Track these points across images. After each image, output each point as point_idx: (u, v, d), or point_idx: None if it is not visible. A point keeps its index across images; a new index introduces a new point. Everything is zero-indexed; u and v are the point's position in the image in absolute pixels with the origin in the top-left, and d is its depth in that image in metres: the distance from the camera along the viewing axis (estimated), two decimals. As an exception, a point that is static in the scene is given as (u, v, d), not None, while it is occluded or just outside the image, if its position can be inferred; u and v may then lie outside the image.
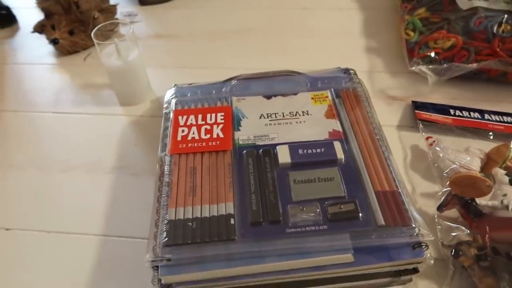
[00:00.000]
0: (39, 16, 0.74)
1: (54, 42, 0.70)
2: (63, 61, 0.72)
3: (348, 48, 0.70)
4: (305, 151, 0.44)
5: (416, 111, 0.56)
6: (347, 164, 0.43)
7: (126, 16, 0.81)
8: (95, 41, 0.56)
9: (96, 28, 0.57)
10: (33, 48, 0.76)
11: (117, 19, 0.76)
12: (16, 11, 0.85)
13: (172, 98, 0.53)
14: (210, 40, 0.74)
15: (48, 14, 0.71)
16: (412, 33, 0.64)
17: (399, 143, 0.54)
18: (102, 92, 0.65)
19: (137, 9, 0.84)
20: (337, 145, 0.45)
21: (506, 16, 0.58)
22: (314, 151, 0.44)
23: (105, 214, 0.49)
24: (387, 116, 0.57)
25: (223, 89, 0.54)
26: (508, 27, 0.57)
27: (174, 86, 0.59)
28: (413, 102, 0.58)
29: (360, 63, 0.67)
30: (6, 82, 0.69)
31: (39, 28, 0.72)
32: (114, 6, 0.75)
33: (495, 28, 0.57)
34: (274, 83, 0.55)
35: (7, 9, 0.83)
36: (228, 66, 0.68)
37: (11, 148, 0.58)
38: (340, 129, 0.47)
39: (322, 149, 0.44)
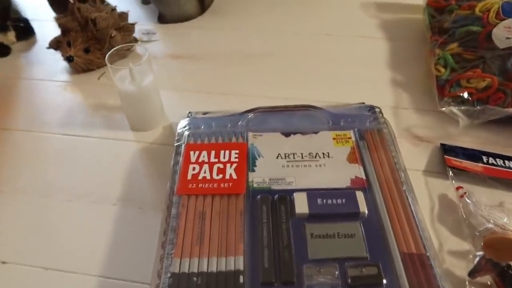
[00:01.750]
0: (57, 30, 0.73)
1: (68, 59, 0.68)
2: (76, 79, 0.70)
3: (372, 79, 0.66)
4: (324, 201, 0.41)
5: (446, 156, 0.52)
6: (370, 218, 0.40)
7: (144, 34, 0.79)
8: (108, 65, 0.53)
9: (111, 51, 0.55)
10: (47, 64, 0.74)
11: (134, 38, 0.74)
12: (35, 24, 0.84)
13: (185, 130, 0.50)
14: (228, 63, 0.72)
15: (64, 30, 0.69)
16: (443, 69, 0.60)
17: (426, 191, 0.50)
18: (113, 114, 0.62)
19: (155, 27, 0.82)
20: (360, 196, 0.41)
21: (547, 57, 0.53)
22: (334, 201, 0.40)
23: (107, 252, 0.46)
24: (413, 158, 0.53)
25: (239, 123, 0.51)
26: (550, 70, 0.53)
27: (188, 115, 0.56)
28: (442, 145, 0.54)
29: (385, 97, 0.63)
30: (19, 98, 0.68)
31: (55, 44, 0.70)
32: (132, 25, 0.73)
33: (535, 70, 0.53)
34: (294, 119, 0.51)
35: (26, 21, 0.82)
36: (246, 93, 0.65)
37: (19, 170, 0.56)
38: (363, 177, 0.43)
39: (343, 200, 0.41)
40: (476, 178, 0.50)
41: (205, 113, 0.56)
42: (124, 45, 0.56)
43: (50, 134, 0.61)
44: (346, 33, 0.77)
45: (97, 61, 0.70)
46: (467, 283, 0.39)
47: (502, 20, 0.59)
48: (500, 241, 0.41)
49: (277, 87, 0.66)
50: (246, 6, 0.86)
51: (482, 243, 0.41)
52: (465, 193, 0.47)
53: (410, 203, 0.41)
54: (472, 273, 0.39)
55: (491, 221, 0.43)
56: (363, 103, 0.57)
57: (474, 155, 0.52)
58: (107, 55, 0.54)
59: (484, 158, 0.52)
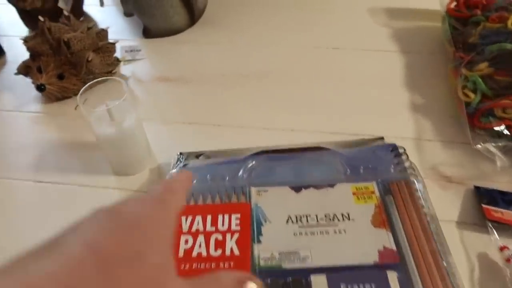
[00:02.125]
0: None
1: (40, 88, 0.59)
2: (50, 109, 0.62)
3: (388, 103, 0.58)
4: (349, 287, 0.33)
5: (483, 205, 0.44)
6: (407, 309, 0.32)
7: (128, 51, 0.70)
8: (80, 105, 0.45)
9: (84, 87, 0.46)
10: (18, 90, 0.65)
11: (116, 58, 0.65)
12: (4, 40, 0.74)
13: (175, 185, 0.42)
14: (223, 86, 0.63)
15: (34, 54, 0.60)
16: (472, 95, 0.52)
17: (462, 248, 0.42)
18: (92, 154, 0.54)
19: (140, 42, 0.73)
20: (393, 278, 0.33)
21: None
22: (361, 287, 0.33)
23: None
24: (444, 206, 0.45)
25: (240, 173, 0.43)
26: None
27: (178, 157, 0.48)
28: (476, 188, 0.46)
29: (404, 126, 0.55)
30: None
31: (24, 70, 0.61)
32: (113, 44, 0.64)
33: None
34: (304, 166, 0.43)
35: (-7, 39, 0.73)
36: (244, 124, 0.57)
37: (-20, 229, 0.48)
38: (394, 247, 0.36)
39: (373, 285, 0.33)
40: (523, 233, 0.42)
41: (198, 155, 0.48)
42: (99, 79, 0.47)
43: (19, 181, 0.52)
44: (355, 46, 0.68)
45: (73, 88, 0.61)
46: None
47: (540, 36, 0.51)
48: None
49: (280, 114, 0.58)
50: (241, 16, 0.77)
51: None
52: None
53: (452, 282, 0.34)
54: None
55: (549, 297, 0.36)
56: (382, 138, 0.50)
57: (515, 201, 0.44)
58: (79, 93, 0.46)
59: (528, 206, 0.44)
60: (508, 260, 0.39)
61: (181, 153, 0.49)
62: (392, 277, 0.33)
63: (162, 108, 0.61)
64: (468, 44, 0.57)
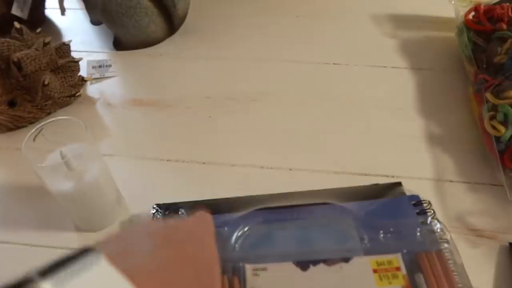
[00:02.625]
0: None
1: (-14, 119, 0.49)
2: (1, 140, 0.52)
3: (400, 133, 0.50)
4: None
5: (525, 272, 0.37)
6: None
7: (96, 67, 0.60)
8: (26, 157, 0.35)
9: (34, 130, 0.36)
10: (-37, 117, 0.55)
11: (81, 77, 0.55)
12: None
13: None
14: (209, 112, 0.54)
15: (-21, 76, 0.50)
16: (502, 128, 0.44)
17: (501, 328, 0.35)
18: (50, 204, 0.44)
19: (111, 56, 0.63)
20: None
21: None
22: None
23: None
24: (474, 268, 0.38)
25: (231, 242, 0.34)
26: None
27: (155, 211, 0.39)
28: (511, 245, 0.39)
29: (420, 162, 0.47)
30: None
31: (-33, 96, 0.51)
32: (76, 62, 0.54)
33: None
34: (310, 232, 0.35)
35: None
36: (233, 160, 0.48)
37: None
38: None
39: None
40: None
41: (178, 208, 0.39)
42: (46, 122, 0.37)
43: (-42, 239, 0.43)
44: (359, 62, 0.60)
45: (28, 116, 0.51)
46: None
47: None
48: None
49: (275, 150, 0.49)
50: (228, 25, 0.67)
51: None
52: None
53: None
54: None
55: None
56: (400, 183, 0.42)
57: (559, 262, 0.37)
58: (26, 137, 0.36)
59: None
60: None
61: (158, 205, 0.40)
62: None
63: (136, 140, 0.51)
64: (493, 65, 0.50)
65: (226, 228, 0.35)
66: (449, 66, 0.58)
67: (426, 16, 0.66)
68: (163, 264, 0.20)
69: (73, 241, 0.42)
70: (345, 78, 0.58)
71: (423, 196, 0.41)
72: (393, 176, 0.45)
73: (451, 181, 0.45)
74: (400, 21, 0.66)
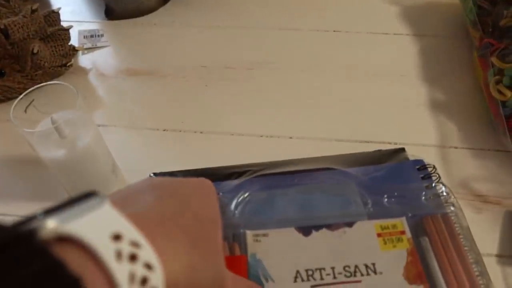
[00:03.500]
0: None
1: (-27, 89, 0.47)
2: (-10, 113, 0.50)
3: (403, 100, 0.49)
4: None
5: (531, 236, 0.36)
6: None
7: (87, 37, 0.58)
8: (12, 119, 0.34)
9: (24, 93, 0.35)
10: (-50, 89, 0.53)
11: (72, 46, 0.53)
12: None
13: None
14: (205, 81, 0.52)
15: (-36, 45, 0.48)
16: (508, 93, 0.43)
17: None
18: (43, 174, 0.43)
19: (103, 25, 0.60)
20: None
21: None
22: None
23: None
24: (479, 234, 0.37)
25: (230, 208, 0.33)
26: None
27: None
28: (518, 210, 0.38)
29: (424, 130, 0.46)
30: None
31: (-47, 65, 0.49)
32: (66, 31, 0.52)
33: None
34: (312, 197, 0.34)
35: None
36: (231, 129, 0.46)
37: None
38: (436, 313, 0.27)
39: None
40: None
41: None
42: (39, 85, 0.36)
43: (-50, 212, 0.41)
44: (360, 29, 0.58)
45: (17, 86, 0.49)
46: None
47: None
48: None
49: (275, 117, 0.48)
50: (223, -8, 0.65)
51: None
52: None
53: None
54: None
55: None
56: (403, 148, 0.40)
57: None
58: (14, 103, 0.35)
59: None
60: None
61: (154, 174, 0.39)
62: None
63: (130, 110, 0.50)
64: (499, 28, 0.48)
65: (225, 195, 0.34)
66: (453, 32, 0.56)
67: (429, -19, 0.64)
68: (168, 213, 0.19)
69: (68, 212, 0.41)
70: (346, 45, 0.56)
71: (428, 162, 0.40)
72: (396, 143, 0.44)
73: (455, 148, 0.44)
74: (402, -13, 0.64)
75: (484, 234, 0.37)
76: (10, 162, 0.45)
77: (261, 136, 0.46)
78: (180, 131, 0.47)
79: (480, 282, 0.29)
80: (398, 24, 0.58)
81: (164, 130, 0.47)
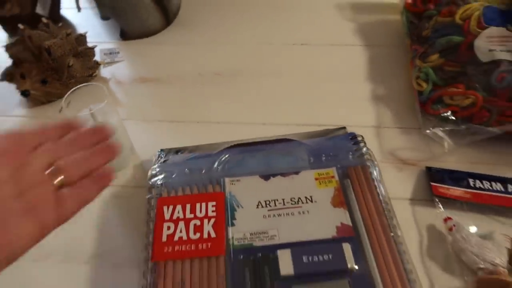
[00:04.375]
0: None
1: (24, 94, 0.62)
2: (36, 112, 0.65)
3: (352, 95, 0.63)
4: (310, 258, 0.38)
5: (432, 183, 0.50)
6: (359, 274, 0.37)
7: (107, 54, 0.73)
8: (64, 109, 0.49)
9: (67, 95, 0.50)
10: (4, 96, 0.68)
11: (96, 61, 0.69)
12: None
13: (157, 179, 0.47)
14: (199, 84, 0.67)
15: (17, 61, 0.63)
16: (424, 84, 0.57)
17: (414, 223, 0.48)
18: (79, 154, 0.58)
19: (118, 45, 0.76)
20: (347, 249, 0.39)
21: (531, 70, 0.51)
22: (320, 258, 0.38)
23: (81, 323, 0.42)
24: (398, 186, 0.51)
25: (215, 165, 0.47)
26: (534, 84, 0.51)
27: (159, 154, 0.52)
28: (427, 168, 0.52)
29: (366, 115, 0.60)
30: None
31: (8, 77, 0.64)
32: (92, 49, 0.68)
33: (519, 85, 0.51)
34: (272, 157, 0.48)
35: (-26, 47, 0.75)
36: (220, 119, 0.61)
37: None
38: (350, 223, 0.41)
39: (330, 256, 0.38)
40: (464, 206, 0.48)
41: (177, 151, 0.52)
42: (79, 86, 0.51)
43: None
44: (323, 42, 0.73)
45: (56, 92, 0.64)
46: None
47: (483, 29, 0.56)
48: (492, 283, 0.39)
49: (252, 109, 0.62)
50: (213, 16, 0.81)
51: (473, 284, 0.40)
52: (453, 225, 0.45)
53: (399, 251, 0.39)
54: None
55: (482, 258, 0.41)
56: (344, 128, 0.55)
57: (461, 178, 0.50)
58: (63, 98, 0.50)
59: (471, 182, 0.50)
60: (450, 229, 0.45)
61: (161, 150, 0.53)
62: (347, 248, 0.39)
63: (142, 107, 0.65)
64: (422, 37, 0.63)
65: (211, 158, 0.48)
66: (395, 42, 0.71)
67: (380, 2, 0.79)
68: None
69: (98, 179, 0.55)
70: (311, 55, 0.71)
71: (366, 139, 0.54)
72: (343, 126, 0.58)
73: (388, 127, 0.58)
74: (358, 7, 0.80)
75: (402, 185, 0.51)
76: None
77: (241, 123, 0.60)
78: (181, 121, 0.62)
79: (384, 206, 0.43)
80: (352, 37, 0.74)
81: (169, 121, 0.62)
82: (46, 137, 0.31)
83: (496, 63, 0.53)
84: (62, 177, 0.30)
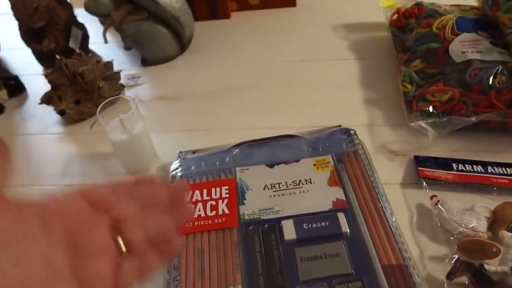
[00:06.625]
0: (46, 84, 0.77)
1: (61, 113, 0.72)
2: (70, 129, 0.74)
3: (347, 100, 0.71)
4: (309, 225, 0.45)
5: (419, 168, 0.56)
6: (352, 237, 0.44)
7: (130, 78, 0.83)
8: (99, 119, 0.57)
9: (100, 106, 0.59)
10: (41, 118, 0.78)
11: (121, 84, 0.79)
12: (24, 79, 0.88)
13: (178, 171, 0.54)
14: (211, 99, 0.76)
15: (54, 85, 0.73)
16: (409, 86, 0.65)
17: (404, 203, 0.54)
18: (108, 161, 0.66)
19: (140, 70, 0.86)
20: (341, 217, 0.45)
21: (500, 67, 0.59)
22: (318, 224, 0.45)
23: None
24: (390, 173, 0.58)
25: (227, 159, 0.55)
26: (503, 78, 0.58)
27: (179, 155, 0.60)
28: (415, 157, 0.58)
29: (360, 116, 0.68)
30: (16, 154, 0.71)
31: (46, 99, 0.75)
32: (118, 73, 0.78)
33: (490, 80, 0.58)
34: (276, 150, 0.56)
35: (16, 78, 0.86)
36: (230, 126, 0.69)
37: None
38: (344, 198, 0.48)
39: (327, 223, 0.45)
40: (448, 185, 0.54)
41: (194, 152, 0.60)
42: (111, 98, 0.60)
43: (50, 186, 0.64)
44: (320, 57, 0.82)
45: (88, 111, 0.74)
46: (445, 285, 0.43)
47: (457, 35, 0.64)
48: (471, 243, 0.45)
49: (259, 117, 0.71)
50: (223, 42, 0.91)
51: (456, 247, 0.45)
52: (438, 201, 0.51)
53: (388, 218, 0.45)
54: (450, 275, 0.43)
55: (463, 225, 0.47)
56: (340, 125, 0.62)
57: (445, 163, 0.57)
58: (98, 110, 0.59)
59: (454, 166, 0.56)
60: (435, 204, 0.51)
61: (180, 152, 0.61)
62: (341, 216, 0.45)
63: (163, 120, 0.73)
64: (405, 47, 0.71)
65: (223, 153, 0.56)
66: (384, 54, 0.80)
67: (369, 22, 0.89)
68: None
69: (126, 180, 0.63)
70: (308, 69, 0.80)
71: (361, 136, 0.61)
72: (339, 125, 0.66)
73: (379, 125, 0.66)
74: (351, 27, 0.89)
75: (393, 172, 0.58)
76: (88, 157, 0.69)
77: (250, 129, 0.68)
78: (195, 130, 0.70)
79: (374, 185, 0.49)
80: (346, 52, 0.82)
81: (186, 131, 0.70)
82: (116, 195, 0.27)
83: (469, 62, 0.61)
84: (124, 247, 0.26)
